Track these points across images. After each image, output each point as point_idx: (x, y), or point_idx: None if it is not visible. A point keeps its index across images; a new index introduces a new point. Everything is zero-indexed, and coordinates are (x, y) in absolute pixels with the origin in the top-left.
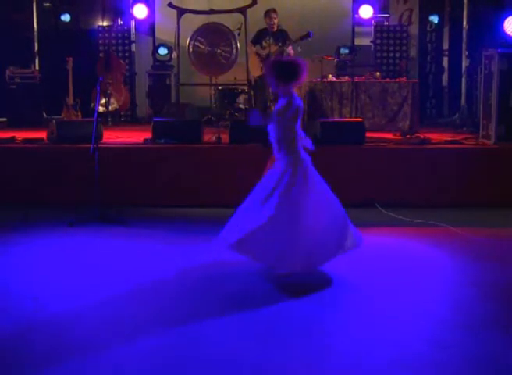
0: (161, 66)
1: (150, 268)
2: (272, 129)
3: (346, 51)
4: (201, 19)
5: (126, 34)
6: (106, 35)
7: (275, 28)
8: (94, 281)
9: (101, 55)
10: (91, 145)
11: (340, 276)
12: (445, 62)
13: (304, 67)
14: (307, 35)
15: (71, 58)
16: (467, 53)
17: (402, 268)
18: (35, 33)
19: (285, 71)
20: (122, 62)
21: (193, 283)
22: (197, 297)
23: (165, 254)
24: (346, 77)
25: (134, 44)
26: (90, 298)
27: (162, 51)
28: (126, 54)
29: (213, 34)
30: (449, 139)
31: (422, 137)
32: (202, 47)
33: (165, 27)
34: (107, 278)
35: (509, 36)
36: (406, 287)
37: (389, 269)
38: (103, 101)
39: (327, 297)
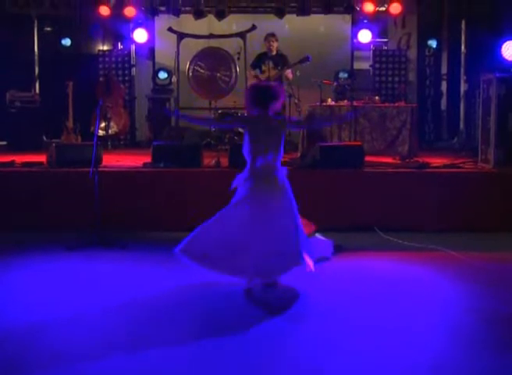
0: (160, 90)
1: (147, 292)
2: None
3: (345, 75)
4: (201, 44)
5: (126, 58)
6: (106, 59)
7: (275, 52)
8: (89, 305)
9: (101, 78)
10: (91, 169)
11: (339, 300)
12: (443, 86)
13: (279, 91)
14: (306, 59)
15: (71, 82)
16: (465, 77)
17: (401, 293)
18: (36, 57)
19: (260, 95)
20: (122, 85)
21: (190, 306)
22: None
23: (163, 278)
24: (345, 101)
25: (134, 68)
26: (83, 323)
27: (162, 75)
28: (126, 78)
29: (213, 59)
30: (447, 163)
31: (421, 161)
32: (202, 71)
33: (165, 52)
34: (103, 303)
35: (507, 60)
36: (405, 313)
37: (389, 294)
38: (103, 124)
39: (324, 321)
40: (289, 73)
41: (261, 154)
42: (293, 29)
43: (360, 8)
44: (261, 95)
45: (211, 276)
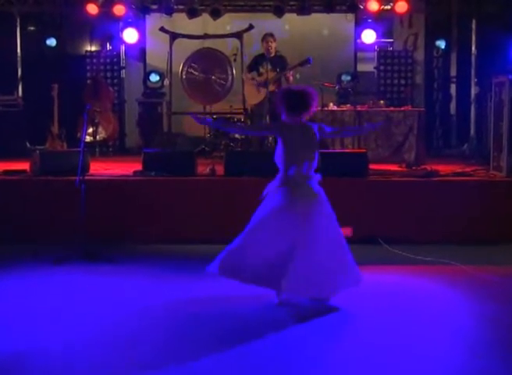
0: (152, 94)
1: (137, 306)
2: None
3: (348, 78)
4: (195, 45)
5: (115, 60)
6: (94, 61)
7: (273, 54)
8: (83, 323)
9: (88, 81)
10: (77, 178)
11: (348, 315)
12: (452, 89)
13: (314, 96)
14: (307, 61)
15: (56, 85)
16: (476, 80)
17: (410, 309)
18: (19, 58)
19: (295, 101)
20: (110, 89)
21: (185, 321)
22: (191, 333)
23: (154, 292)
24: (348, 106)
25: (124, 71)
26: (76, 341)
27: (154, 77)
28: (115, 80)
29: (207, 60)
30: (457, 171)
31: (429, 169)
32: (196, 73)
33: (157, 53)
34: (91, 317)
35: None
36: (416, 330)
37: (398, 310)
38: (90, 130)
39: (334, 337)
40: (289, 75)
41: (296, 162)
42: (293, 29)
43: (364, 6)
44: (296, 101)
45: (205, 289)
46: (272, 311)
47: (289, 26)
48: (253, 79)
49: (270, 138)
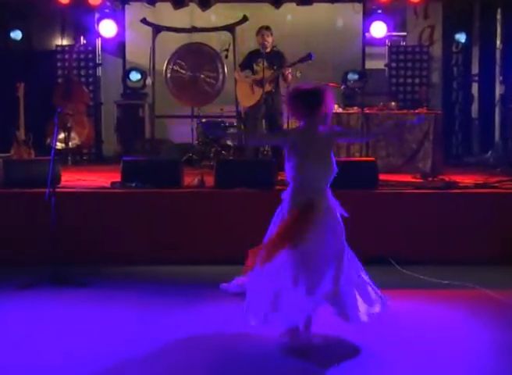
0: (132, 95)
1: (111, 343)
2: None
3: (355, 76)
4: (181, 39)
5: (90, 56)
6: (66, 57)
7: (269, 49)
8: (47, 364)
9: (59, 80)
10: (47, 190)
11: (364, 349)
12: (474, 88)
13: (327, 94)
14: (308, 57)
15: (22, 84)
16: (501, 78)
17: (428, 343)
18: None
19: (305, 101)
20: (85, 89)
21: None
22: None
23: (133, 324)
24: (355, 108)
25: (100, 68)
26: None
27: (134, 76)
28: (91, 79)
29: (195, 57)
30: (480, 182)
31: (447, 179)
32: (182, 72)
33: (138, 48)
34: (53, 357)
35: None
36: (438, 365)
37: (413, 344)
38: (62, 136)
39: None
40: (288, 73)
41: (309, 173)
42: (293, 21)
43: None
44: (306, 101)
45: (194, 319)
46: (276, 344)
47: (288, 19)
48: (247, 78)
49: (266, 145)
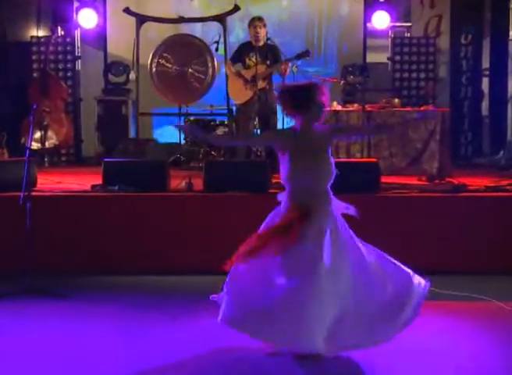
0: (114, 91)
1: (91, 363)
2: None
3: (356, 71)
4: (168, 30)
5: (68, 48)
6: (42, 49)
7: (263, 42)
8: None
9: (35, 75)
10: (21, 194)
11: (366, 362)
12: (485, 84)
13: (320, 90)
14: (306, 54)
15: None
16: None
17: (437, 356)
18: None
19: (298, 97)
20: (63, 84)
21: None
22: None
23: (117, 342)
24: (356, 105)
25: (79, 61)
26: None
27: (116, 70)
28: (69, 73)
29: (183, 49)
30: (491, 185)
31: (455, 182)
32: (168, 66)
33: (120, 40)
34: None
35: None
36: None
37: (422, 357)
38: (38, 135)
39: None
40: (285, 67)
41: (304, 175)
42: (288, 11)
43: None
44: (299, 98)
45: (182, 337)
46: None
47: (283, 8)
48: (238, 73)
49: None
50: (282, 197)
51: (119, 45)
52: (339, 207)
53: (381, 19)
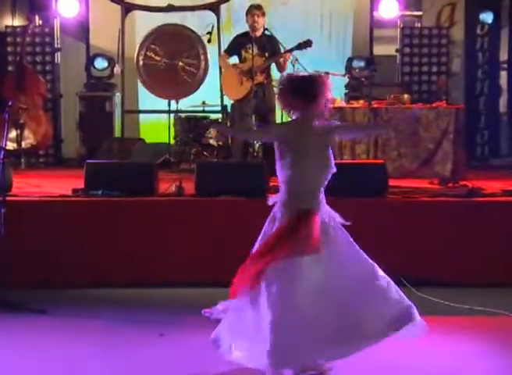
0: (98, 86)
1: None
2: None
3: (362, 64)
4: (156, 20)
5: (47, 39)
6: (18, 40)
7: (260, 33)
8: None
9: (10, 68)
10: None
11: None
12: (503, 78)
13: (324, 84)
14: (307, 44)
15: None
16: None
17: None
18: None
19: (299, 91)
20: (41, 78)
21: None
22: None
23: (101, 362)
24: (361, 101)
25: (59, 54)
26: None
27: (100, 63)
28: (48, 67)
29: (172, 41)
30: (508, 189)
31: (470, 185)
32: (157, 58)
33: (105, 30)
34: None
35: None
36: None
37: None
38: (13, 134)
39: None
40: (283, 61)
41: (303, 173)
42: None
43: None
44: (301, 91)
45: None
46: None
47: None
48: (234, 66)
49: (257, 145)
50: (275, 199)
51: (103, 36)
52: (327, 211)
53: (389, 8)
